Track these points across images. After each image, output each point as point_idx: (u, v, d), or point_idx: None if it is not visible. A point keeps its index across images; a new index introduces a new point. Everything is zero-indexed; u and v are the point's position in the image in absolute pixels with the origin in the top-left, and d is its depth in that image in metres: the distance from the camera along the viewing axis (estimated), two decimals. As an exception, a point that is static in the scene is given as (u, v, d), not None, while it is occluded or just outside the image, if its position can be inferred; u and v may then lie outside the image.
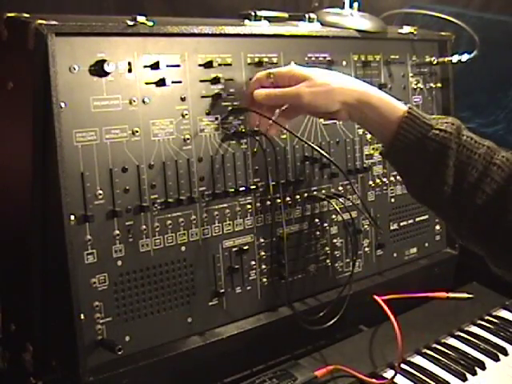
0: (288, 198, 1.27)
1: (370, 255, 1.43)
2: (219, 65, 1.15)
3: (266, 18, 1.24)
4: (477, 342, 1.37)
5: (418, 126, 1.02)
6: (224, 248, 1.17)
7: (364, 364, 1.23)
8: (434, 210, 1.09)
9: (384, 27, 1.44)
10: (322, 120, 1.31)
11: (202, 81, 1.13)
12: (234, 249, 1.19)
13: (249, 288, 1.21)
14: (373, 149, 1.42)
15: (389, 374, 1.23)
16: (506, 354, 1.34)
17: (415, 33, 1.49)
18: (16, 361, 1.08)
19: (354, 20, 1.39)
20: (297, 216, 1.29)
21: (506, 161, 1.01)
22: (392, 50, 1.46)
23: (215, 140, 1.15)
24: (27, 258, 1.02)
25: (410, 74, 1.50)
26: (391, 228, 1.47)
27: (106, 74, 1.00)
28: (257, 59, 1.20)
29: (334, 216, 1.35)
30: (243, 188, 1.18)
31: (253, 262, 1.22)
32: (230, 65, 1.16)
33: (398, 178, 1.46)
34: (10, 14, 0.99)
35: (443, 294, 1.45)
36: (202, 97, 1.13)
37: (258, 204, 1.22)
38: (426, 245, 1.57)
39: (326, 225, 1.34)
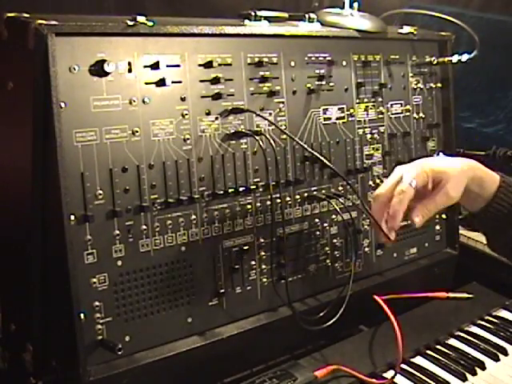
0: (288, 198, 1.27)
1: (369, 255, 1.43)
2: (219, 65, 1.15)
3: (266, 18, 1.24)
4: (477, 342, 1.36)
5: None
6: (224, 248, 1.17)
7: (364, 364, 1.23)
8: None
9: (384, 27, 1.44)
10: (321, 120, 1.31)
11: (201, 81, 1.13)
12: (234, 249, 1.19)
13: (249, 288, 1.21)
14: (373, 149, 1.42)
15: (389, 374, 1.22)
16: (506, 354, 1.34)
17: (415, 33, 1.49)
18: (16, 361, 1.08)
19: (354, 20, 1.39)
20: (297, 216, 1.29)
21: None
22: (392, 50, 1.46)
23: (215, 140, 1.15)
24: (27, 257, 1.02)
25: (410, 74, 1.50)
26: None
27: (106, 73, 1.00)
28: (257, 59, 1.20)
29: (334, 216, 1.35)
30: (243, 188, 1.18)
31: (253, 262, 1.22)
32: (230, 65, 1.16)
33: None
34: (9, 14, 0.99)
35: (443, 294, 1.45)
36: (202, 97, 1.13)
37: (258, 204, 1.22)
38: (426, 245, 1.57)
39: (326, 225, 1.34)
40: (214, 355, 1.14)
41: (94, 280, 1.01)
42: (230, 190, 1.17)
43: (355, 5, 1.41)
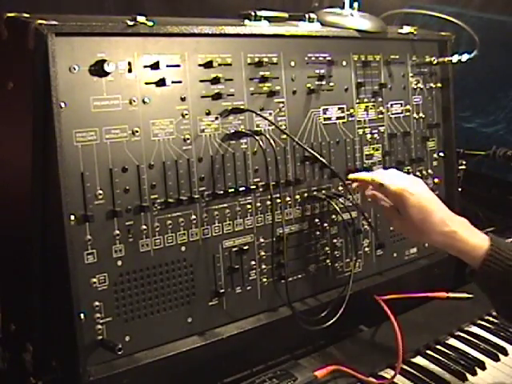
0: (288, 198, 1.27)
1: (370, 255, 1.43)
2: (219, 65, 1.15)
3: (266, 18, 1.24)
4: (477, 342, 1.37)
5: (500, 262, 1.08)
6: (224, 248, 1.17)
7: (364, 364, 1.23)
8: None
9: (384, 27, 1.44)
10: (321, 120, 1.31)
11: (201, 81, 1.13)
12: (234, 249, 1.19)
13: (249, 288, 1.21)
14: (373, 149, 1.42)
15: (389, 374, 1.23)
16: (505, 354, 1.34)
17: (415, 33, 1.49)
18: (16, 361, 1.08)
19: (354, 20, 1.39)
20: (297, 216, 1.29)
21: None
22: (392, 50, 1.46)
23: (215, 140, 1.15)
24: (27, 257, 1.02)
25: (410, 74, 1.50)
26: (391, 228, 1.47)
27: (106, 74, 1.00)
28: (257, 59, 1.20)
29: (333, 216, 1.35)
30: (243, 188, 1.18)
31: (253, 262, 1.22)
32: (230, 65, 1.16)
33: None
34: (10, 14, 0.99)
35: (443, 294, 1.45)
36: (202, 97, 1.13)
37: (258, 204, 1.22)
38: (426, 245, 1.56)
39: (326, 225, 1.34)
40: (214, 355, 1.14)
41: (94, 280, 1.01)
42: (229, 190, 1.17)
43: (355, 5, 1.41)
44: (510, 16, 1.88)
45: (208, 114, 1.14)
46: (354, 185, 1.32)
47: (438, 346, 1.35)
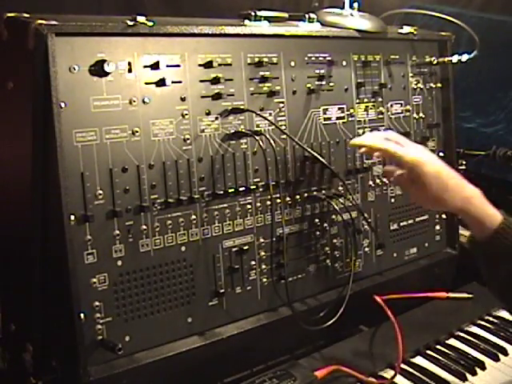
0: (288, 198, 1.27)
1: (370, 255, 1.43)
2: (219, 65, 1.15)
3: (266, 18, 1.24)
4: (477, 342, 1.36)
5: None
6: (224, 248, 1.17)
7: (364, 364, 1.23)
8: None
9: (384, 27, 1.44)
10: (321, 120, 1.32)
11: (201, 81, 1.13)
12: (234, 249, 1.19)
13: (249, 288, 1.21)
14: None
15: (389, 374, 1.23)
16: (505, 354, 1.34)
17: (415, 33, 1.49)
18: (16, 361, 1.08)
19: (354, 20, 1.39)
20: (297, 216, 1.29)
21: None
22: (392, 50, 1.46)
23: (215, 140, 1.15)
24: (27, 258, 1.02)
25: (410, 74, 1.50)
26: (391, 228, 1.47)
27: (106, 74, 1.00)
28: (257, 59, 1.20)
29: (333, 216, 1.35)
30: (243, 188, 1.18)
31: (253, 262, 1.22)
32: (230, 65, 1.16)
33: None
34: (10, 14, 0.99)
35: (443, 294, 1.45)
36: (202, 97, 1.13)
37: (258, 204, 1.22)
38: (426, 245, 1.57)
39: (325, 225, 1.34)
40: (214, 355, 1.14)
41: (94, 280, 1.01)
42: (229, 190, 1.17)
43: (355, 5, 1.41)
44: (510, 16, 1.88)
45: (208, 114, 1.14)
46: (362, 150, 1.24)
47: (438, 346, 1.34)
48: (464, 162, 1.70)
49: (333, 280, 1.35)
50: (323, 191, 1.33)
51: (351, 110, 1.37)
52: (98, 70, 0.99)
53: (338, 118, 1.35)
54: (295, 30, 1.27)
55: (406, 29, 1.49)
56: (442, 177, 1.14)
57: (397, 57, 1.46)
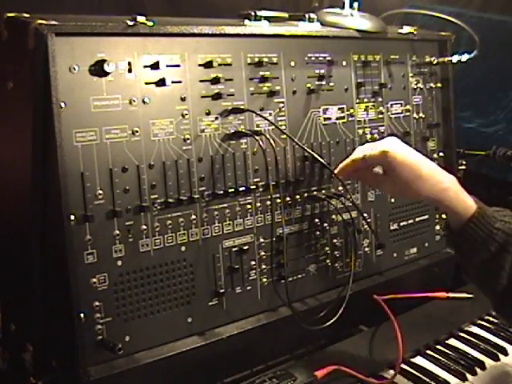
0: (288, 198, 1.27)
1: (370, 255, 1.43)
2: (219, 65, 1.14)
3: (266, 18, 1.24)
4: (477, 342, 1.37)
5: (484, 226, 1.12)
6: (224, 248, 1.17)
7: (364, 364, 1.23)
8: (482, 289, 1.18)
9: (384, 27, 1.44)
10: (321, 120, 1.32)
11: (201, 81, 1.13)
12: (234, 249, 1.19)
13: (249, 288, 1.21)
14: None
15: (389, 374, 1.23)
16: (505, 354, 1.34)
17: (415, 33, 1.49)
18: (16, 361, 1.08)
19: (354, 20, 1.39)
20: (297, 216, 1.29)
21: None
22: (392, 50, 1.46)
23: (215, 140, 1.15)
24: (27, 257, 1.02)
25: (410, 74, 1.50)
26: (391, 228, 1.48)
27: (106, 74, 1.00)
28: (257, 59, 1.20)
29: (333, 216, 1.35)
30: (243, 188, 1.18)
31: (253, 262, 1.22)
32: (230, 65, 1.16)
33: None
34: (10, 14, 0.99)
35: (443, 294, 1.45)
36: (202, 97, 1.13)
37: (258, 204, 1.22)
38: (426, 245, 1.57)
39: (325, 225, 1.34)
40: (213, 355, 1.14)
41: (94, 280, 1.01)
42: (229, 190, 1.17)
43: (355, 5, 1.41)
44: (510, 16, 1.88)
45: (208, 114, 1.14)
46: (347, 176, 1.27)
47: (438, 346, 1.34)
48: (464, 162, 1.70)
49: (333, 280, 1.35)
50: (323, 191, 1.33)
51: (351, 110, 1.37)
52: (98, 70, 0.99)
53: (337, 118, 1.35)
54: (295, 30, 1.27)
55: (406, 29, 1.49)
56: (413, 166, 1.13)
57: (397, 57, 1.46)
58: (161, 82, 1.07)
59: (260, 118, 1.20)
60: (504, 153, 1.72)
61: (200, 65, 1.13)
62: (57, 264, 0.99)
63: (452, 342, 1.37)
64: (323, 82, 1.31)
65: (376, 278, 1.44)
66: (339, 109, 1.35)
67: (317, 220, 1.32)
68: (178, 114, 1.10)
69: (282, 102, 1.25)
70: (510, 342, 1.38)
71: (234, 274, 1.18)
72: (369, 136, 1.41)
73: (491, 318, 1.46)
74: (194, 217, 1.13)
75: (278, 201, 1.24)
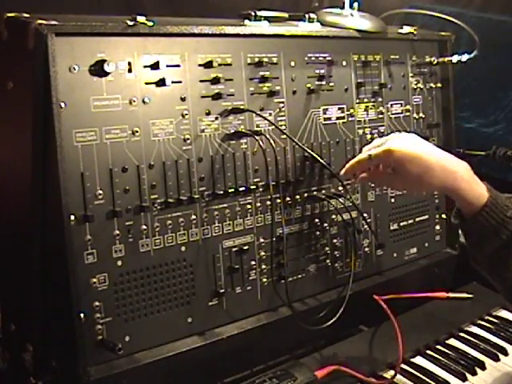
0: (288, 198, 1.27)
1: (370, 255, 1.43)
2: (219, 65, 1.14)
3: (266, 18, 1.24)
4: (477, 342, 1.36)
5: (496, 215, 1.11)
6: (224, 248, 1.17)
7: (364, 364, 1.23)
8: (491, 275, 1.17)
9: (384, 27, 1.44)
10: (321, 120, 1.32)
11: (201, 81, 1.13)
12: (234, 249, 1.19)
13: (249, 288, 1.21)
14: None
15: (389, 374, 1.23)
16: (505, 354, 1.34)
17: (415, 33, 1.49)
18: (16, 361, 1.08)
19: (354, 20, 1.39)
20: (297, 216, 1.29)
21: None
22: (392, 50, 1.46)
23: (215, 140, 1.15)
24: (27, 257, 1.02)
25: (410, 74, 1.50)
26: (391, 228, 1.47)
27: (106, 74, 1.00)
28: (257, 59, 1.20)
29: (333, 216, 1.35)
30: (243, 188, 1.18)
31: (253, 262, 1.22)
32: (230, 65, 1.16)
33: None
34: (10, 14, 0.99)
35: (443, 294, 1.45)
36: (202, 97, 1.13)
37: (258, 204, 1.22)
38: (426, 245, 1.57)
39: (325, 225, 1.34)
40: (213, 355, 1.14)
41: (94, 280, 1.01)
42: (229, 190, 1.17)
43: (355, 5, 1.41)
44: (510, 16, 1.88)
45: (208, 114, 1.14)
46: (358, 179, 1.26)
47: (438, 346, 1.34)
48: (464, 162, 1.70)
49: (333, 280, 1.35)
50: (323, 191, 1.33)
51: (351, 110, 1.37)
52: (98, 69, 0.99)
53: (337, 118, 1.35)
54: (295, 30, 1.27)
55: (406, 29, 1.49)
56: (422, 158, 1.12)
57: (397, 57, 1.46)
58: (161, 82, 1.07)
59: (260, 118, 1.20)
60: (504, 153, 1.72)
61: (200, 65, 1.13)
62: (57, 264, 0.99)
63: (452, 341, 1.37)
64: (323, 82, 1.31)
65: (376, 278, 1.44)
66: (339, 109, 1.35)
67: (317, 220, 1.32)
68: (178, 114, 1.10)
69: (282, 102, 1.25)
70: (509, 342, 1.38)
71: (233, 274, 1.18)
72: (369, 136, 1.41)
73: (491, 318, 1.46)
74: (193, 217, 1.13)
75: (278, 201, 1.24)
